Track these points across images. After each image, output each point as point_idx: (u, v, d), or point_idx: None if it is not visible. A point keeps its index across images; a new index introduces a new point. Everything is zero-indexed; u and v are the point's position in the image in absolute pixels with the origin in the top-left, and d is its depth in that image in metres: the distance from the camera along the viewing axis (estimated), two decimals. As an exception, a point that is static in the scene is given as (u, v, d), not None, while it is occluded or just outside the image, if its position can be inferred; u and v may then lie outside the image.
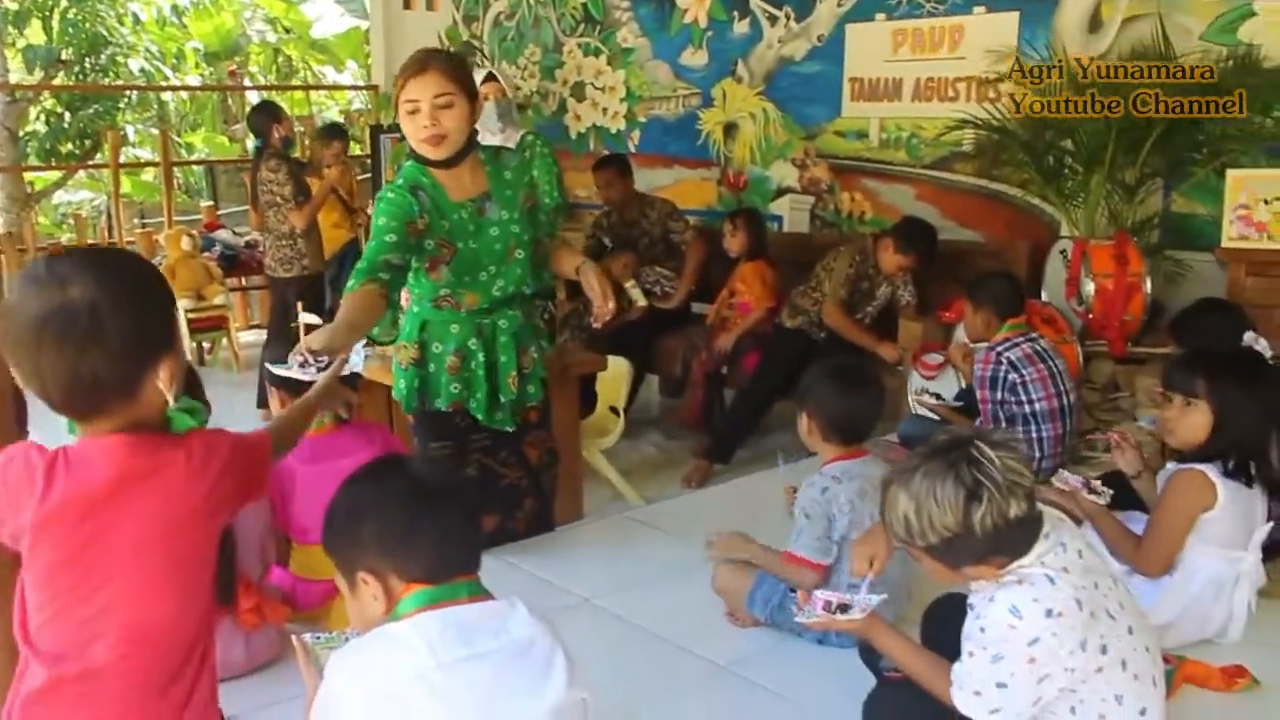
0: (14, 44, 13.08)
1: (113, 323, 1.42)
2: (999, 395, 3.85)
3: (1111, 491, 2.74)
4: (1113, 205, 4.90)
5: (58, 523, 1.44)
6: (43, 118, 13.59)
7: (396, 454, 1.78)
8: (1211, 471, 2.55)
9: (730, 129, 6.75)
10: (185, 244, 7.37)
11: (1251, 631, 2.64)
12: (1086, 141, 4.80)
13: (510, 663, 1.55)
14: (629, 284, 5.54)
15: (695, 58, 6.90)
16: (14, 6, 12.56)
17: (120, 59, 13.37)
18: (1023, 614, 1.74)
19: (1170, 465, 2.66)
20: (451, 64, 2.90)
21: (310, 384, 2.15)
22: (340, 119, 12.33)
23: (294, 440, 1.95)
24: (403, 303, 3.16)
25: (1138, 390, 4.35)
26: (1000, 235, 5.46)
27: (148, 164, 12.07)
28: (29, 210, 12.42)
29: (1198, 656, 2.52)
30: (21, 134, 12.78)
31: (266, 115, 6.31)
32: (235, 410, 5.37)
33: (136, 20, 13.83)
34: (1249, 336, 3.19)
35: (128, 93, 13.73)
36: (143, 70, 13.50)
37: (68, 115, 13.25)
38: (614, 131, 7.49)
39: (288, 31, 14.86)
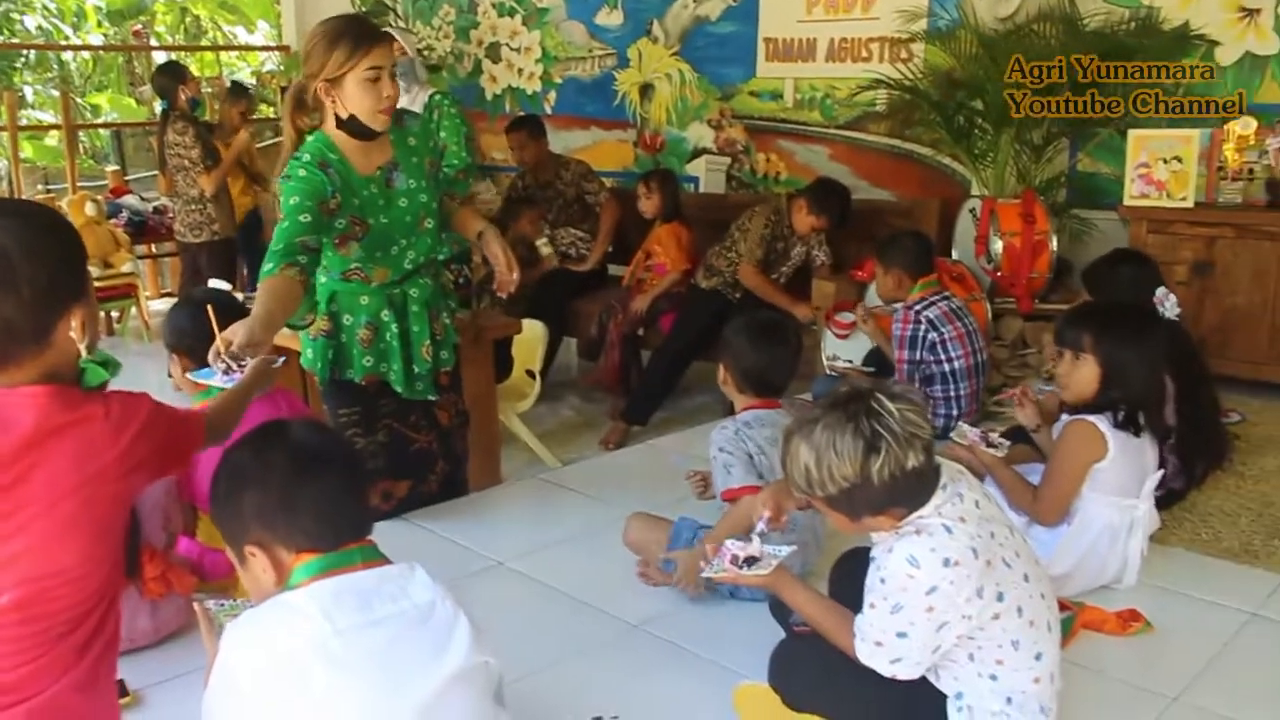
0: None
1: (24, 269, 1.45)
2: (918, 355, 3.92)
3: (1009, 444, 2.81)
4: (1021, 165, 5.00)
5: None
6: (-70, 78, 13.07)
7: (277, 421, 1.74)
8: (1102, 423, 2.62)
9: (646, 90, 6.73)
10: (89, 210, 7.14)
11: (1145, 576, 2.73)
12: (995, 102, 4.87)
13: (410, 628, 1.55)
14: (540, 241, 5.52)
15: (611, 18, 6.86)
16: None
17: (15, 16, 12.88)
18: (920, 564, 1.78)
19: (1064, 417, 2.73)
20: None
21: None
22: (252, 80, 12.04)
23: (230, 428, 1.93)
24: None
25: (1045, 346, 4.45)
26: (912, 194, 5.53)
27: (49, 127, 11.68)
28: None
29: (1095, 603, 2.61)
30: (-92, 95, 12.27)
31: (171, 76, 6.14)
32: (148, 381, 5.25)
33: (32, -24, 13.33)
34: (1161, 292, 3.27)
35: (24, 52, 13.25)
36: (40, 28, 13.02)
37: (-42, 76, 12.76)
38: (530, 93, 7.43)
39: (195, -11, 14.43)
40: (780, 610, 2.42)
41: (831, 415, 1.82)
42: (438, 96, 4.30)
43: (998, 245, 4.65)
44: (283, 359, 2.30)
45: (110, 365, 1.61)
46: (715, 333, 4.91)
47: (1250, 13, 4.62)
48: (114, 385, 1.63)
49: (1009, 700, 1.87)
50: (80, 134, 11.67)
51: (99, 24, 14.01)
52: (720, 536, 2.53)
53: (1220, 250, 4.45)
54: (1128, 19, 4.83)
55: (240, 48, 14.20)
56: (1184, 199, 4.51)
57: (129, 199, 7.87)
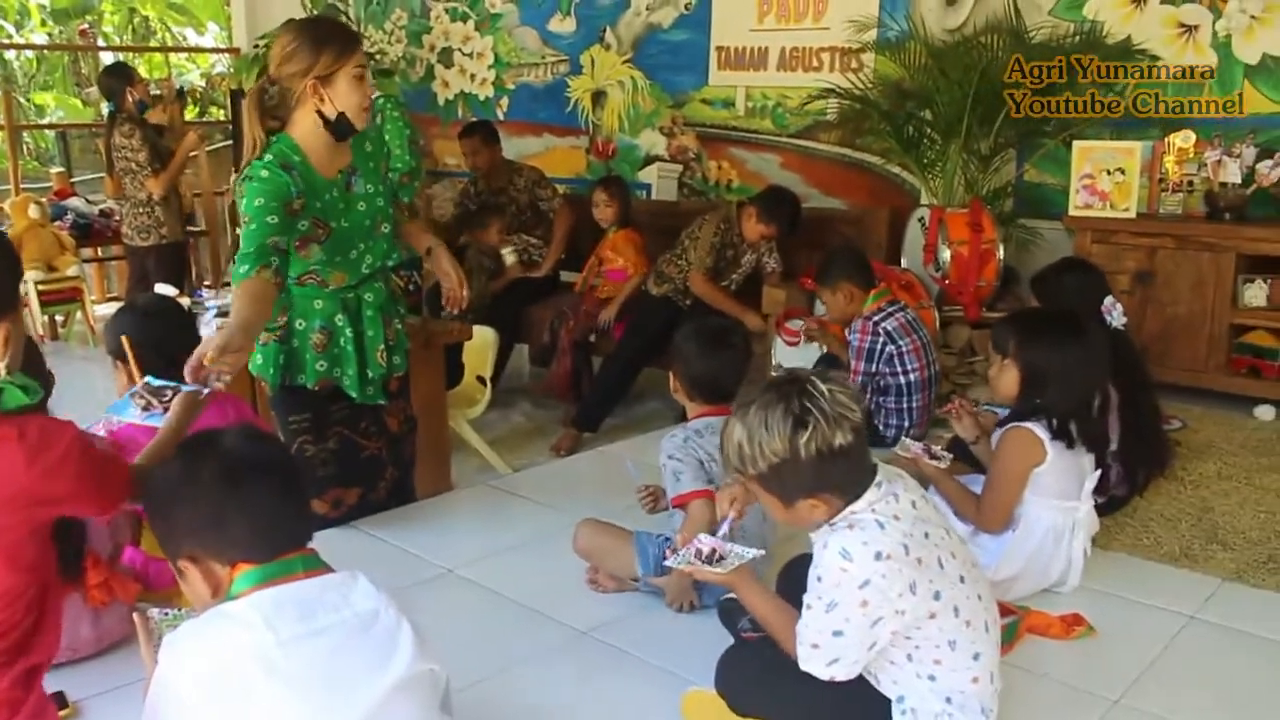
0: None
1: None
2: (874, 367, 3.93)
3: (951, 456, 2.85)
4: (969, 174, 5.06)
5: None
6: None
7: (209, 431, 1.70)
8: (1038, 428, 2.67)
9: (599, 97, 6.74)
10: (33, 212, 7.02)
11: (1087, 580, 2.78)
12: (944, 112, 4.93)
13: (353, 637, 1.54)
14: (506, 250, 5.53)
15: (564, 24, 6.86)
16: None
17: (-45, 14, 12.66)
18: (853, 556, 1.80)
19: (998, 430, 2.78)
20: None
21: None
22: (201, 83, 11.90)
23: None
24: None
25: (990, 353, 4.50)
26: (862, 203, 5.58)
27: (-9, 127, 11.48)
28: None
29: (1039, 607, 2.64)
30: None
31: (118, 77, 6.07)
32: (94, 386, 5.18)
33: (-27, -27, 13.10)
34: (1108, 301, 3.32)
35: (-34, 51, 13.02)
36: (-19, 26, 12.80)
37: (-102, 74, 12.50)
38: (482, 99, 7.41)
39: (144, -11, 14.24)
40: (729, 617, 2.44)
41: (765, 396, 1.87)
42: (380, 99, 4.28)
43: (946, 254, 4.70)
44: (208, 390, 2.18)
45: (30, 391, 1.52)
46: (666, 340, 4.92)
47: (1189, 29, 4.72)
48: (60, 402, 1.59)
49: (949, 700, 1.90)
50: (24, 135, 11.46)
51: (43, 23, 13.78)
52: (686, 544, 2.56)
53: (1161, 260, 4.54)
54: (1072, 32, 4.91)
55: (190, 49, 14.04)
56: (1127, 210, 4.60)
57: (74, 201, 7.75)
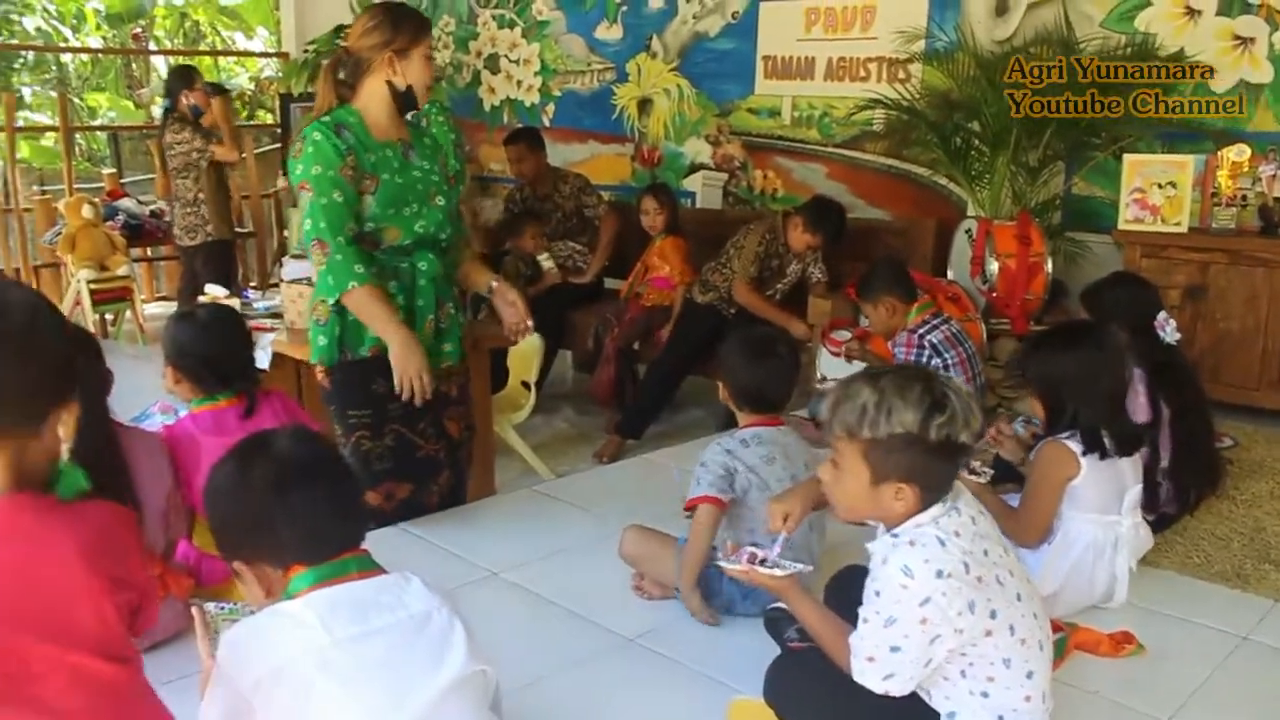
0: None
1: (47, 337, 1.33)
2: None
3: (991, 471, 2.83)
4: (1016, 186, 5.02)
5: None
6: (-70, 77, 13.06)
7: (260, 434, 1.71)
8: (1070, 442, 2.65)
9: (645, 104, 6.76)
10: (86, 212, 7.14)
11: (1137, 599, 2.75)
12: (992, 124, 4.90)
13: (407, 637, 1.55)
14: (542, 256, 5.55)
15: (610, 32, 6.89)
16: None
17: (15, 17, 12.89)
18: (914, 574, 1.78)
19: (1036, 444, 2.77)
20: None
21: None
22: (250, 86, 12.05)
23: None
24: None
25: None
26: (907, 214, 5.56)
27: (46, 128, 11.68)
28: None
29: (1088, 623, 2.62)
30: (-92, 94, 12.27)
31: (179, 79, 6.22)
32: (142, 384, 5.23)
33: (33, -22, 13.35)
34: (1161, 316, 3.28)
35: (22, 53, 13.25)
36: (39, 29, 13.03)
37: (-43, 76, 12.75)
38: (528, 105, 7.45)
39: (194, -5, 14.45)
40: (775, 627, 2.43)
41: (900, 373, 1.86)
42: (426, 105, 4.33)
43: (993, 266, 4.67)
44: (269, 353, 2.34)
45: (87, 477, 1.42)
46: (710, 348, 4.94)
47: (1245, 41, 4.66)
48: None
49: (1000, 717, 1.88)
50: (76, 136, 11.66)
51: (98, 26, 14.02)
52: (691, 549, 2.59)
53: (1214, 275, 4.48)
54: (1124, 44, 4.87)
55: (239, 53, 14.24)
56: (1178, 224, 4.54)
57: (125, 202, 7.87)
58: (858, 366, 4.37)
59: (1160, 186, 4.55)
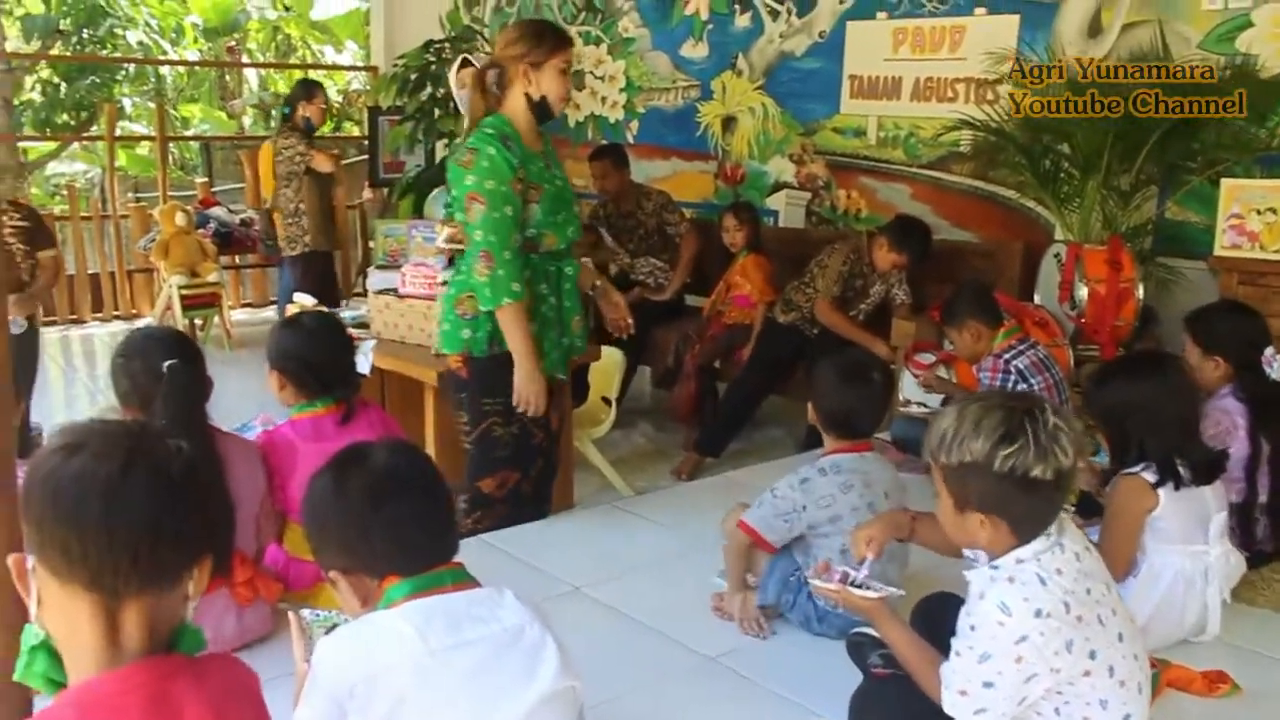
0: (12, 12, 13.01)
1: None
2: None
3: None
4: (1107, 210, 4.92)
5: None
6: (39, 88, 13.53)
7: (358, 446, 1.73)
8: (1146, 474, 2.60)
9: (729, 122, 6.76)
10: (180, 220, 7.35)
11: (1232, 638, 2.68)
12: (1083, 146, 4.82)
13: (500, 650, 1.57)
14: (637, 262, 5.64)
15: (696, 50, 6.90)
16: (14, -25, 12.52)
17: (119, 31, 13.32)
18: (1012, 611, 1.76)
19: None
20: None
21: None
22: (338, 99, 12.29)
23: None
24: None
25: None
26: (993, 236, 5.48)
27: (143, 138, 12.02)
28: (22, 180, 12.37)
29: (1179, 659, 2.56)
30: (17, 103, 12.73)
31: (301, 90, 6.36)
32: (228, 388, 5.34)
33: (136, -7, 13.79)
34: (1269, 351, 3.19)
35: (125, 65, 13.67)
36: (141, 43, 13.45)
37: (64, 86, 13.19)
38: (613, 121, 7.50)
39: (287, 9, 14.81)
40: (858, 651, 2.40)
41: (993, 399, 1.85)
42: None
43: (1082, 291, 4.58)
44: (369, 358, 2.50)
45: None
46: (792, 367, 4.92)
47: (1352, 63, 4.54)
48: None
49: (1093, 758, 1.84)
50: (170, 145, 11.99)
51: (195, 40, 14.43)
52: (729, 565, 2.70)
53: (1315, 305, 4.35)
54: (1223, 66, 4.76)
55: (328, 67, 14.53)
56: (1278, 251, 4.42)
57: (217, 210, 8.08)
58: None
59: (1259, 212, 4.43)
